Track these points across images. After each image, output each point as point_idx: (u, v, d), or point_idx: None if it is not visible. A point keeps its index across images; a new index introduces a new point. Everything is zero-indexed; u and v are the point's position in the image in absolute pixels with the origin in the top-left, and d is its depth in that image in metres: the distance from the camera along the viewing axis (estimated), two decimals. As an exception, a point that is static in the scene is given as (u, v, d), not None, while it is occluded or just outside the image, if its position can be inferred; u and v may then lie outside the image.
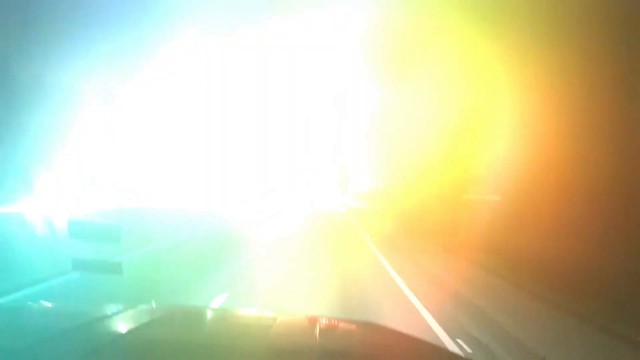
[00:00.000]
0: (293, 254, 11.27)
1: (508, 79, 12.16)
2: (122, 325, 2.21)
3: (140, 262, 8.97)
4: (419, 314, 6.53)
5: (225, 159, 43.55)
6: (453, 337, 5.45)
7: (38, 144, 19.00)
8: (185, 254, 10.63)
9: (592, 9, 8.80)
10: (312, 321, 2.63)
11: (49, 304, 2.69)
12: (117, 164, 25.91)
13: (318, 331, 2.32)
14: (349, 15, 24.11)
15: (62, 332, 1.92)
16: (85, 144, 23.05)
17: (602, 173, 8.42)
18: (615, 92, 8.42)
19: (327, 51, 32.49)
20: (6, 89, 19.24)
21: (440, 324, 5.98)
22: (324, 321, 2.67)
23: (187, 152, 34.89)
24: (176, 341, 1.99)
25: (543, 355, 5.14)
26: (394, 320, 5.98)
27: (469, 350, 5.05)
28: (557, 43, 9.70)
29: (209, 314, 2.99)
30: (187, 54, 28.16)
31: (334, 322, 2.83)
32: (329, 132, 58.33)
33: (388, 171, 33.16)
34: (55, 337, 1.86)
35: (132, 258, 9.02)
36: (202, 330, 2.33)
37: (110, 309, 2.41)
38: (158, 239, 12.07)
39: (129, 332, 2.03)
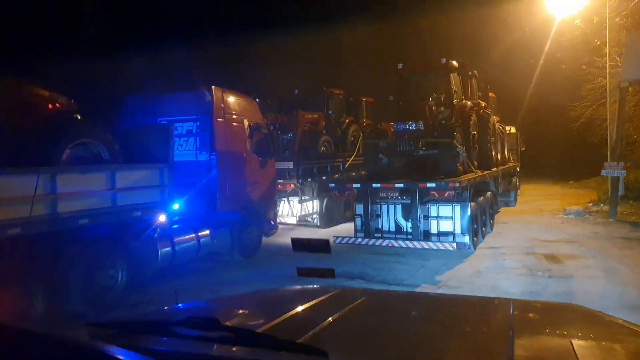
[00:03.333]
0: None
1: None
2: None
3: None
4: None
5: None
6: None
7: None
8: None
9: None
10: (506, 303, 2.69)
11: None
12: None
13: (512, 312, 2.31)
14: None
15: None
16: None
17: None
18: None
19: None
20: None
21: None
22: (518, 303, 2.73)
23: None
24: (377, 325, 2.10)
25: None
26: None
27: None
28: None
29: (401, 298, 3.23)
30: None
31: (528, 303, 2.91)
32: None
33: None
34: None
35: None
36: (395, 314, 2.40)
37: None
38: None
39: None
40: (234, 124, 9.79)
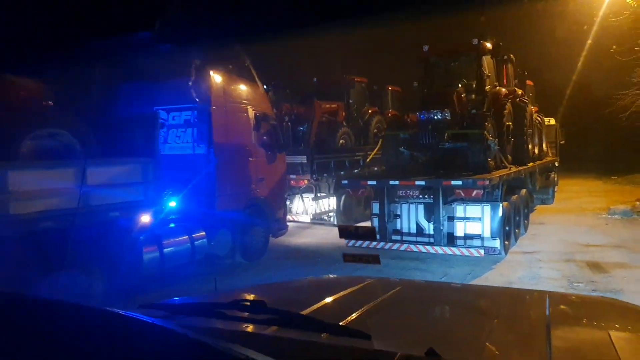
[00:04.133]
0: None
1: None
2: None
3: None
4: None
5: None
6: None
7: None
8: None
9: None
10: (542, 295, 2.66)
11: None
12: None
13: (548, 305, 2.21)
14: None
15: None
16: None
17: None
18: None
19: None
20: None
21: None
22: (554, 295, 2.73)
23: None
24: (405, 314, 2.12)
25: None
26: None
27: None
28: None
29: (436, 287, 3.33)
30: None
31: (565, 296, 2.97)
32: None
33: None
34: None
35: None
36: (431, 303, 2.43)
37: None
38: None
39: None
40: (237, 113, 8.84)
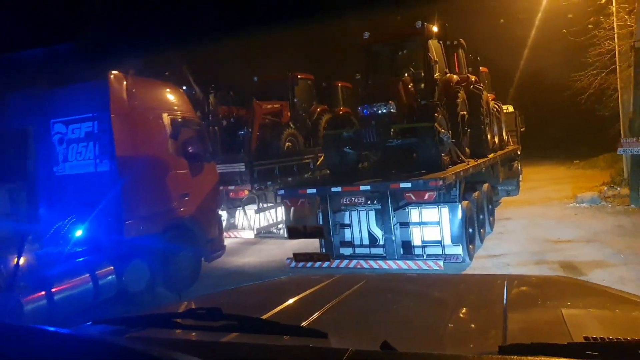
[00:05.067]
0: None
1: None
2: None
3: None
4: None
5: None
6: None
7: None
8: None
9: None
10: (501, 279, 2.67)
11: None
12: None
13: (506, 288, 2.22)
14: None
15: None
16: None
17: None
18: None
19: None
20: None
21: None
22: (511, 279, 2.84)
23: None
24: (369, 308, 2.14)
25: None
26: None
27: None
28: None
29: (400, 280, 3.57)
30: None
31: (522, 278, 3.24)
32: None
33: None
34: None
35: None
36: (393, 295, 2.42)
37: None
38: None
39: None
40: (147, 120, 7.52)
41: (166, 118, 7.81)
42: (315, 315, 1.81)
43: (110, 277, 6.67)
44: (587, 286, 2.44)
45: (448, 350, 1.56)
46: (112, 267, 6.74)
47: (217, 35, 20.68)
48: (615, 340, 1.37)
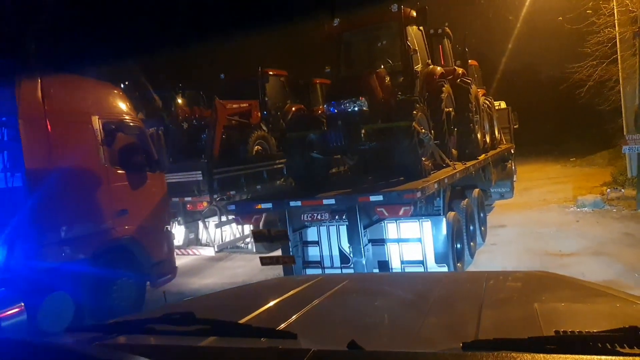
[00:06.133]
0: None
1: None
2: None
3: None
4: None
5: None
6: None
7: None
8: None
9: None
10: (481, 276, 2.72)
11: None
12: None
13: (485, 285, 2.27)
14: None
15: None
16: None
17: None
18: None
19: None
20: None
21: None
22: (491, 275, 2.72)
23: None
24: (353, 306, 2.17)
25: None
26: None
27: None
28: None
29: (383, 279, 3.49)
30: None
31: (502, 274, 3.22)
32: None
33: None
34: None
35: None
36: (374, 295, 2.42)
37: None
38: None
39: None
40: (68, 125, 6.31)
41: (96, 122, 6.61)
42: (294, 317, 1.83)
43: (18, 319, 5.48)
44: (566, 280, 2.45)
45: (417, 348, 1.52)
46: (22, 305, 5.54)
47: (191, 33, 19.51)
48: (578, 334, 1.36)
